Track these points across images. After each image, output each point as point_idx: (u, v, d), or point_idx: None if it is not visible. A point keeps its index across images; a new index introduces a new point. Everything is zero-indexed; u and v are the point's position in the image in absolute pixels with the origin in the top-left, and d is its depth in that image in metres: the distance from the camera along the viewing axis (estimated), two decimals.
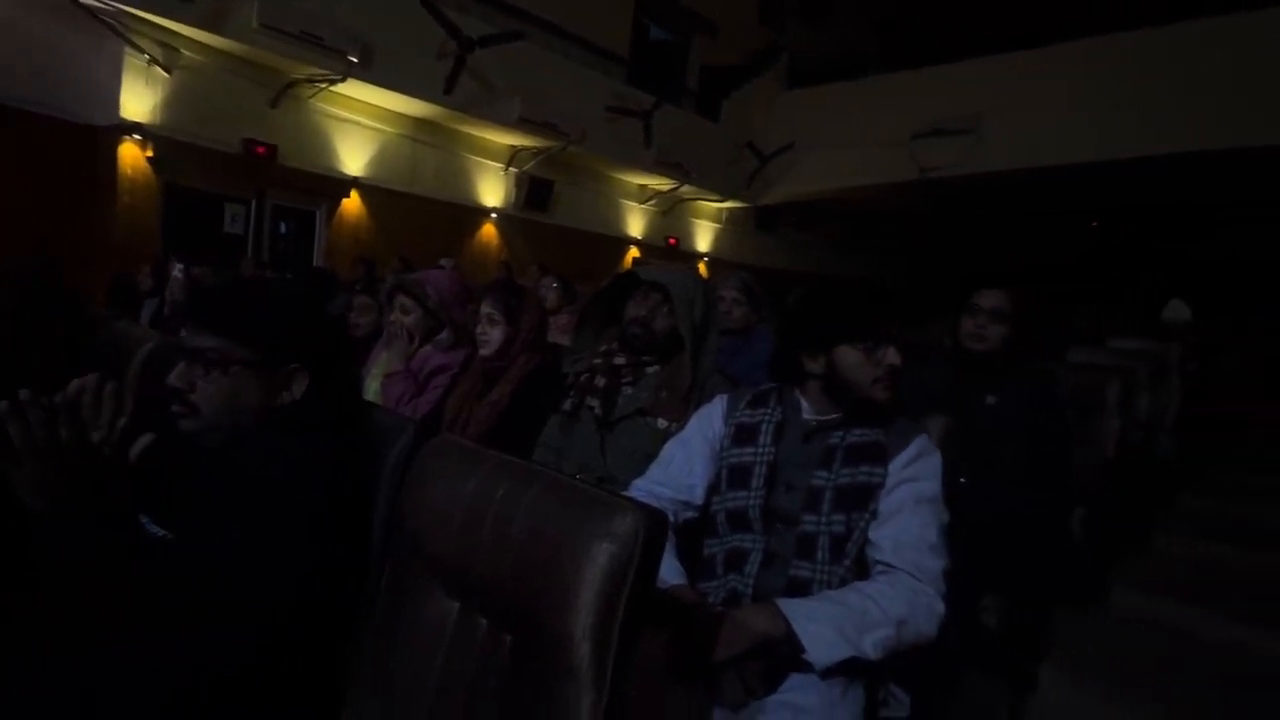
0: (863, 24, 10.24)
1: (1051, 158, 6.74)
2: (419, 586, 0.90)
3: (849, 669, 1.02)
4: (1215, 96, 5.89)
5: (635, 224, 8.71)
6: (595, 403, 1.64)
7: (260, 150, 6.23)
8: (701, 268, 9.05)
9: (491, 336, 1.90)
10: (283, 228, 6.99)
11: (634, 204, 8.69)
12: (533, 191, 7.89)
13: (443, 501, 0.88)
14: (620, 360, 1.67)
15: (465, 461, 0.89)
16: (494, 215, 7.92)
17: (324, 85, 6.22)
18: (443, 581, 0.89)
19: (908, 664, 1.10)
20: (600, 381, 1.66)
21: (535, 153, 7.58)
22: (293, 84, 6.20)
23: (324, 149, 6.72)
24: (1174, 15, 6.23)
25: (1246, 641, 2.32)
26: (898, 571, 1.09)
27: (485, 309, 1.91)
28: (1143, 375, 2.95)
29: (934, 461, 1.18)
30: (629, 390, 1.64)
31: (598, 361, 1.69)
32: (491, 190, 7.85)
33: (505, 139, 7.55)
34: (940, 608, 1.07)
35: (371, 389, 2.18)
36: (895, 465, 1.17)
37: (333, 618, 0.95)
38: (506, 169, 7.83)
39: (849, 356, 1.20)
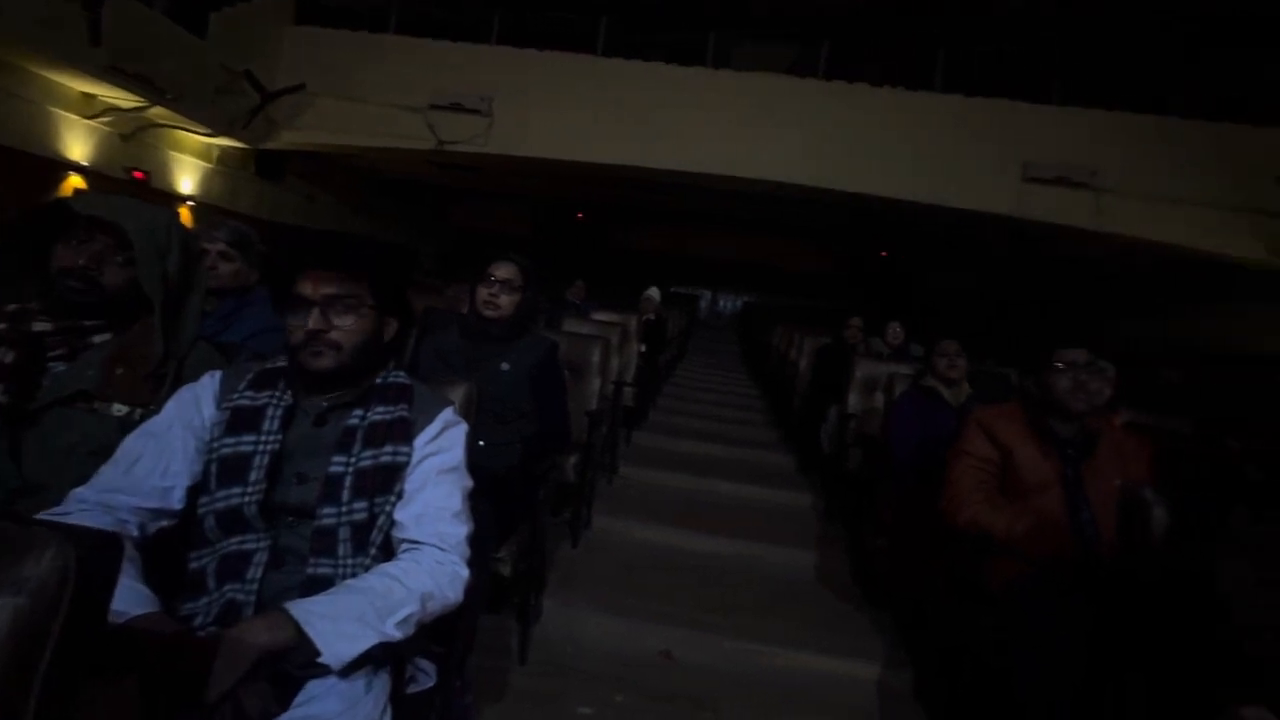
0: None
1: (553, 151, 7.70)
2: None
3: (374, 657, 0.96)
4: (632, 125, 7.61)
5: (78, 145, 6.49)
6: None
7: None
8: (185, 214, 7.39)
9: None
10: None
11: (75, 117, 6.49)
12: None
13: None
14: (44, 325, 1.21)
15: None
16: None
17: None
18: None
19: (432, 634, 1.10)
20: (8, 356, 1.17)
21: None
22: None
23: None
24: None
25: (683, 545, 3.12)
26: (422, 546, 1.08)
27: None
28: (615, 341, 3.63)
29: (459, 432, 1.19)
30: (61, 367, 1.20)
31: (2, 327, 1.19)
32: None
33: None
34: (465, 573, 1.09)
35: None
36: (421, 441, 1.14)
37: None
38: None
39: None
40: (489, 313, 2.12)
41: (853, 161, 7.41)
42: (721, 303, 16.61)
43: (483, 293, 2.12)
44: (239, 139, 7.71)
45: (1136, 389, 3.06)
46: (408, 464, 1.12)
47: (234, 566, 1.04)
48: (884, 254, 14.20)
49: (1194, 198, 7.00)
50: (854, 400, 3.74)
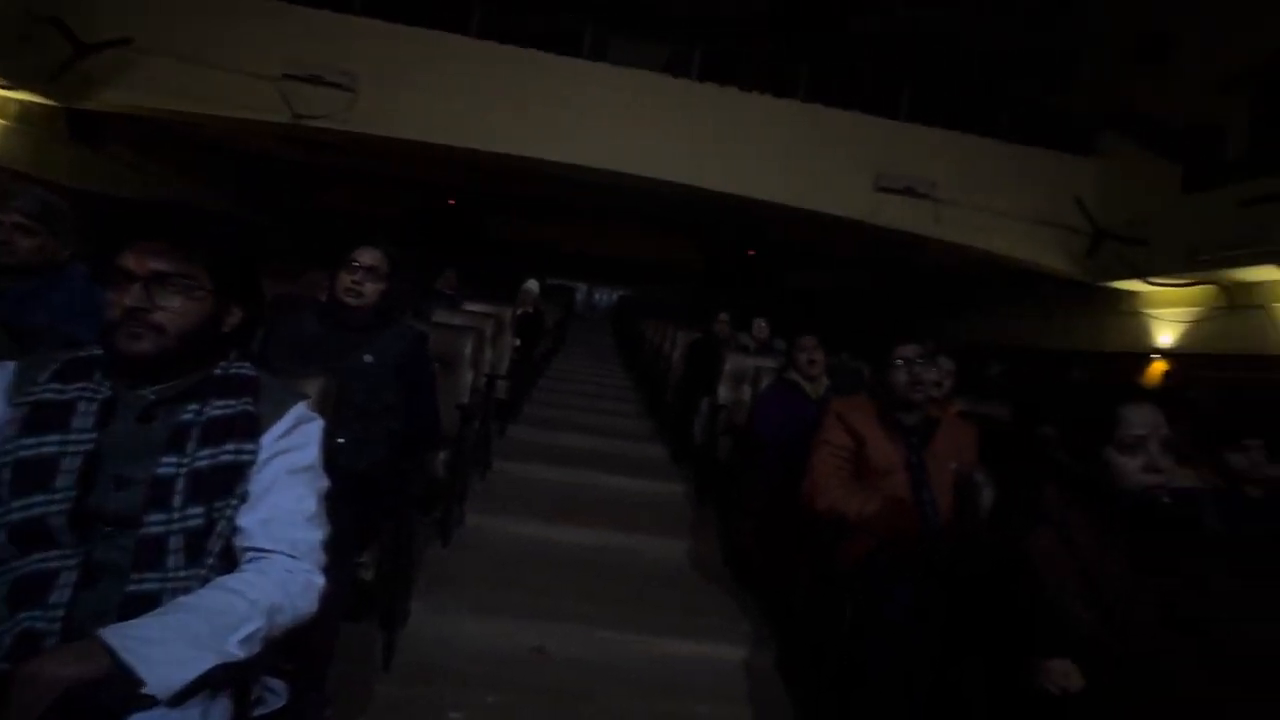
0: None
1: (423, 134, 7.33)
2: None
3: (213, 680, 0.85)
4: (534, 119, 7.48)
5: None
6: None
7: None
8: None
9: None
10: None
11: None
12: None
13: None
14: None
15: None
16: None
17: None
18: None
19: (282, 650, 1.00)
20: None
21: None
22: None
23: None
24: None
25: (558, 539, 3.09)
26: (270, 555, 0.98)
27: None
28: (488, 333, 3.53)
29: (313, 428, 1.09)
30: None
31: None
32: None
33: None
34: (319, 581, 1.01)
35: None
36: (269, 438, 1.03)
37: None
38: None
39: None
40: (351, 301, 1.98)
41: (721, 162, 7.68)
42: (598, 296, 16.70)
43: (345, 279, 1.98)
44: (48, 95, 6.70)
45: (968, 381, 3.41)
46: (252, 463, 1.01)
47: (31, 589, 0.89)
48: (750, 252, 14.86)
49: (1012, 212, 7.91)
50: (724, 392, 3.88)
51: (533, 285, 6.03)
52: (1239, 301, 7.01)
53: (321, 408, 1.21)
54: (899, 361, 2.06)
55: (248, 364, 1.09)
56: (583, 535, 3.13)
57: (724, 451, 3.67)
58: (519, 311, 5.36)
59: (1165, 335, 7.86)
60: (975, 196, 7.89)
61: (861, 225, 8.20)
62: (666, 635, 2.37)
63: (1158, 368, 7.68)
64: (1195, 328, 7.51)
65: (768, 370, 3.53)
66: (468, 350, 2.95)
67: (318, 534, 1.03)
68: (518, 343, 4.69)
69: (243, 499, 1.00)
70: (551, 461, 4.12)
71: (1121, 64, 9.02)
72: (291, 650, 1.05)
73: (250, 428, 1.02)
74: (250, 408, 1.03)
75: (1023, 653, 1.16)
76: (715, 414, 3.86)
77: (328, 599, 1.03)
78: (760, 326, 5.57)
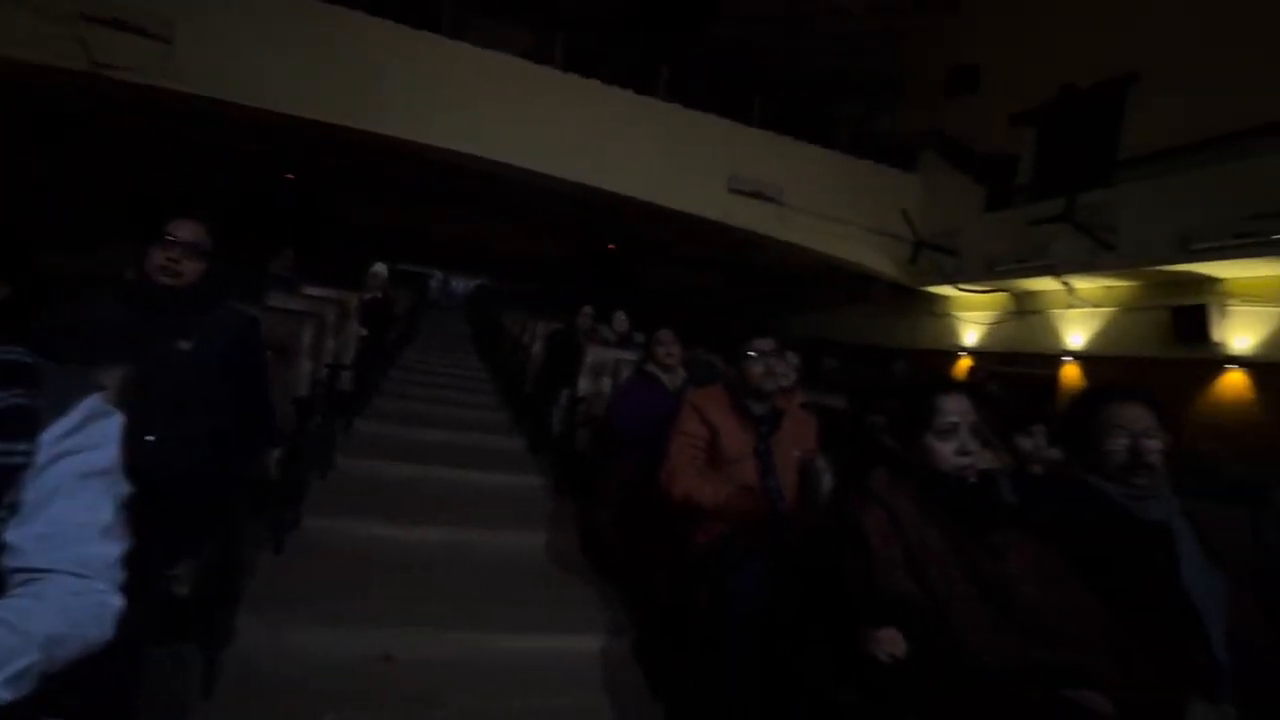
0: None
1: (254, 99, 6.61)
2: None
3: None
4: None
5: None
6: None
7: None
8: None
9: None
10: None
11: None
12: None
13: None
14: None
15: None
16: None
17: None
18: None
19: (70, 686, 0.85)
20: None
21: None
22: None
23: None
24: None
25: (408, 539, 2.93)
26: (51, 575, 0.83)
27: None
28: (331, 320, 3.27)
29: (108, 425, 0.93)
30: None
31: None
32: None
33: None
34: (115, 602, 0.86)
35: None
36: (50, 437, 0.86)
37: None
38: None
39: None
40: (166, 280, 1.74)
41: (583, 154, 7.67)
42: (454, 284, 16.07)
43: (159, 256, 1.73)
44: None
45: (807, 373, 3.68)
46: (25, 466, 0.84)
47: None
48: (612, 247, 15.02)
49: (847, 219, 8.63)
50: (584, 384, 3.89)
51: (381, 269, 5.63)
52: (1026, 307, 8.15)
53: (121, 401, 1.05)
54: (753, 354, 2.16)
55: (20, 349, 0.91)
56: (435, 533, 3.00)
57: (583, 443, 3.67)
58: (366, 297, 5.02)
59: (970, 335, 8.96)
60: (817, 203, 8.50)
61: (716, 225, 8.56)
62: (524, 631, 2.33)
63: (964, 363, 8.74)
64: (993, 329, 8.62)
65: (627, 363, 3.58)
66: (307, 338, 2.71)
67: (114, 548, 0.89)
68: (364, 331, 4.39)
69: (12, 509, 0.83)
70: (402, 457, 3.91)
71: (937, 93, 10.13)
72: (82, 685, 0.90)
73: (22, 424, 0.85)
74: (23, 400, 0.86)
75: (857, 622, 1.26)
76: (574, 405, 3.86)
77: (128, 622, 0.89)
78: (620, 320, 5.63)
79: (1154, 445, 1.48)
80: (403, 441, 4.32)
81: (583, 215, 12.00)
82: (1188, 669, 1.30)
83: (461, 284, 15.98)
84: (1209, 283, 6.20)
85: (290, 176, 12.70)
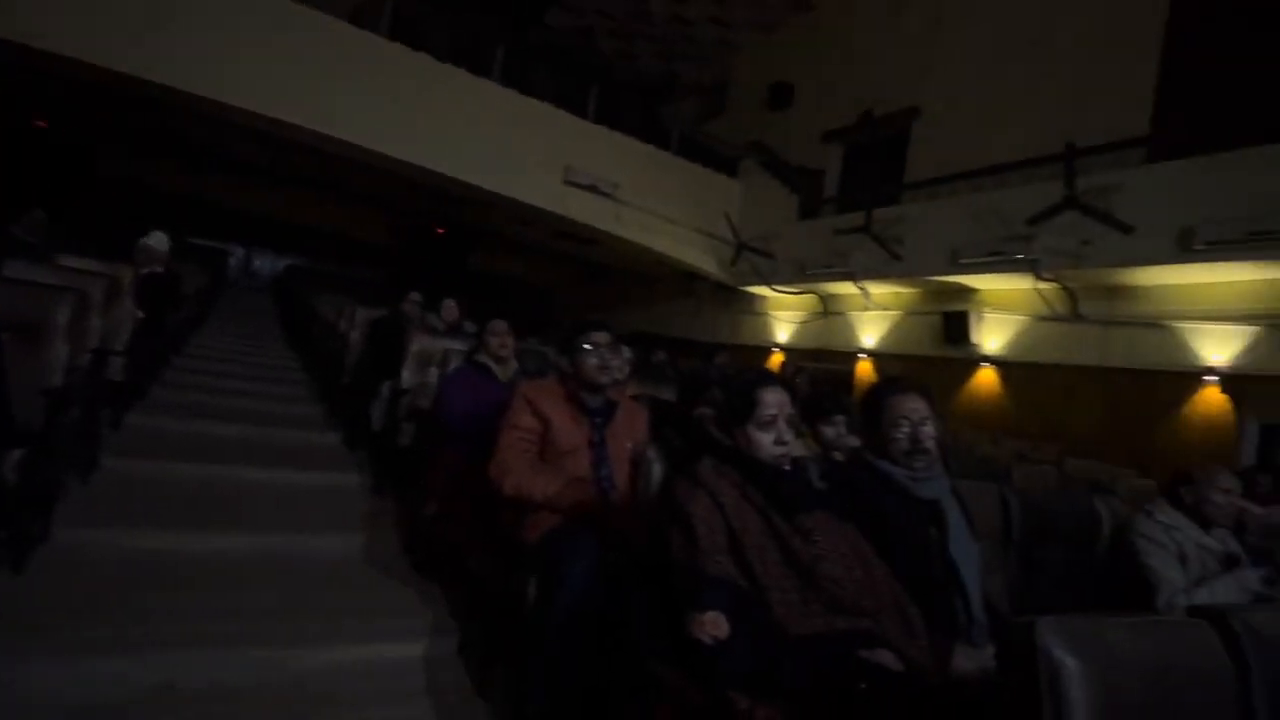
0: None
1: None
2: None
3: None
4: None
5: None
6: None
7: None
8: None
9: None
10: None
11: None
12: None
13: None
14: None
15: None
16: None
17: None
18: None
19: None
20: None
21: None
22: None
23: None
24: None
25: (193, 549, 2.57)
26: None
27: None
28: (97, 297, 2.78)
29: None
30: None
31: None
32: None
33: None
34: None
35: None
36: None
37: None
38: None
39: None
40: None
41: (408, 132, 7.24)
42: (258, 262, 14.41)
43: None
44: None
45: (638, 366, 3.77)
46: None
47: None
48: (440, 231, 14.34)
49: (676, 218, 9.00)
50: (408, 375, 3.67)
51: (157, 240, 4.70)
52: (830, 309, 9.03)
53: None
54: (589, 347, 2.16)
55: None
56: (230, 541, 2.67)
57: (406, 437, 3.47)
58: (144, 272, 4.32)
59: (783, 332, 9.76)
60: (650, 201, 8.76)
61: (550, 215, 8.50)
62: (335, 642, 2.14)
63: (777, 358, 9.50)
64: (802, 328, 9.46)
65: (456, 352, 3.42)
66: (63, 317, 2.27)
67: None
68: (141, 313, 3.77)
69: None
70: (190, 456, 3.44)
71: (761, 105, 10.88)
72: None
73: None
74: None
75: (683, 606, 1.31)
76: (397, 398, 3.63)
77: None
78: (450, 308, 5.39)
79: (930, 432, 1.70)
80: (192, 438, 3.79)
81: (408, 196, 11.33)
82: (954, 623, 1.51)
83: (268, 263, 14.37)
84: (970, 293, 7.30)
85: (43, 124, 10.61)
